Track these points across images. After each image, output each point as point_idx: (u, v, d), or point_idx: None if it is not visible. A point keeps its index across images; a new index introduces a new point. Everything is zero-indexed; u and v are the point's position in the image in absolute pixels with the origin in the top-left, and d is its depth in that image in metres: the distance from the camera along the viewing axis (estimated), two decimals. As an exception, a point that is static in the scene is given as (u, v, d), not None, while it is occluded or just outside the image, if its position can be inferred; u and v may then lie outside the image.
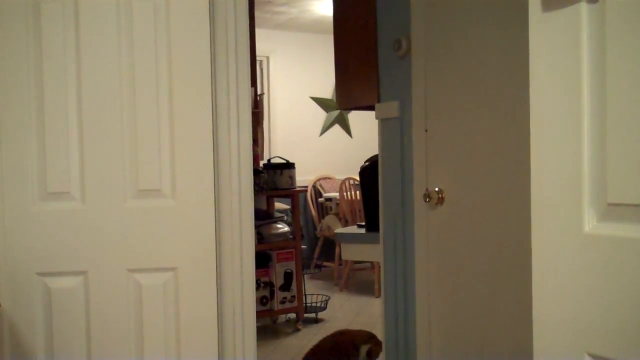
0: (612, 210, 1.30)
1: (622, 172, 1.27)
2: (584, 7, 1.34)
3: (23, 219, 2.29)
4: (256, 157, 5.55)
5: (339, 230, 4.30)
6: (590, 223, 1.34)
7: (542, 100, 1.44)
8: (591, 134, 1.33)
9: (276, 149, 8.30)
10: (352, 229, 4.06)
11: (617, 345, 1.29)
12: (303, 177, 7.79)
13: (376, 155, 3.45)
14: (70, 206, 2.31)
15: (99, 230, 2.33)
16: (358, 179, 4.19)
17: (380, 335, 3.44)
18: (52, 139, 2.29)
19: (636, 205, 1.25)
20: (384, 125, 3.28)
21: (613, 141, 1.28)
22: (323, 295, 6.31)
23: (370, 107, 3.44)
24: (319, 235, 7.96)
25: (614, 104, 1.28)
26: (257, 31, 5.76)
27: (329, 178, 8.69)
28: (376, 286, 6.61)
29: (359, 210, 7.02)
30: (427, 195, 2.87)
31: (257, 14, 6.31)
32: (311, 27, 8.32)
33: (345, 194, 7.28)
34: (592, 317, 1.33)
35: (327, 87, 8.61)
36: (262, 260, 5.38)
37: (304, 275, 5.94)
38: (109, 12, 2.30)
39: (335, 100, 3.82)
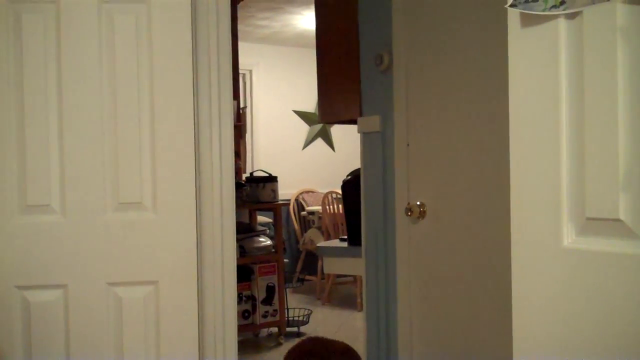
0: (591, 225, 1.31)
1: (600, 186, 1.28)
2: (562, 23, 1.36)
3: (2, 231, 2.27)
4: (238, 170, 5.55)
5: (322, 243, 4.30)
6: (569, 237, 1.35)
7: (522, 114, 1.45)
8: (570, 148, 1.35)
9: (259, 163, 8.28)
10: (335, 243, 4.06)
11: (595, 357, 1.30)
12: (286, 191, 7.79)
13: (358, 169, 3.46)
14: (50, 219, 2.30)
15: (79, 244, 2.31)
16: (340, 192, 4.19)
17: (362, 349, 3.44)
18: (32, 152, 2.27)
19: (614, 220, 1.26)
20: (366, 139, 3.29)
21: (591, 156, 1.30)
22: (305, 309, 6.29)
23: (353, 121, 3.45)
24: (301, 249, 7.94)
25: (592, 119, 1.30)
26: (240, 44, 5.76)
27: (312, 192, 8.68)
28: (358, 300, 6.60)
29: (342, 224, 7.02)
30: (409, 209, 2.88)
31: (239, 27, 6.32)
32: (294, 41, 8.35)
33: (327, 207, 7.28)
34: (571, 329, 1.34)
35: (309, 101, 8.63)
36: (244, 274, 5.36)
37: (286, 289, 5.92)
38: (91, 24, 2.30)
39: (317, 114, 3.83)
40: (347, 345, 3.59)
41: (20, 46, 2.27)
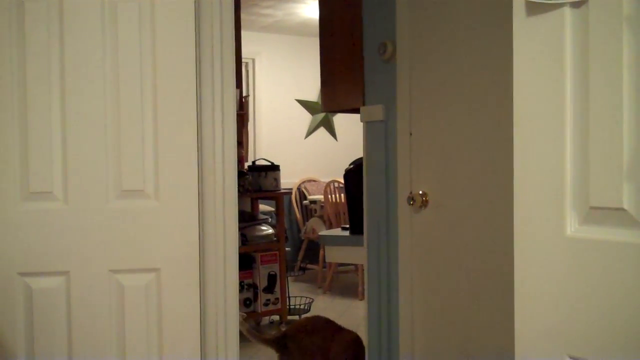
0: (594, 214, 1.31)
1: (603, 176, 1.28)
2: (567, 11, 1.35)
3: (5, 218, 2.27)
4: (241, 158, 5.54)
5: (324, 232, 4.31)
6: (572, 226, 1.35)
7: (526, 103, 1.45)
8: (574, 137, 1.34)
9: (261, 151, 8.28)
10: (337, 232, 4.06)
11: (597, 347, 1.30)
12: (288, 180, 7.78)
13: (361, 158, 3.46)
14: (53, 206, 2.30)
15: (82, 231, 2.31)
16: (343, 181, 4.19)
17: (363, 338, 3.44)
18: (34, 139, 2.27)
19: (617, 209, 1.26)
20: (369, 128, 3.29)
21: (595, 145, 1.29)
22: (307, 297, 6.30)
23: (356, 110, 3.44)
24: (303, 238, 7.95)
25: (596, 109, 1.29)
26: (243, 33, 5.75)
27: (314, 180, 8.69)
28: (360, 289, 6.61)
29: (344, 213, 7.02)
30: (411, 198, 2.88)
31: (242, 16, 6.30)
32: (297, 29, 8.32)
33: (329, 196, 7.28)
34: (573, 319, 1.34)
35: (312, 90, 8.61)
36: (246, 262, 5.37)
37: (287, 277, 5.94)
38: (94, 11, 2.29)
39: (320, 103, 3.83)
40: (357, 337, 3.58)
41: (23, 34, 2.26)
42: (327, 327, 3.56)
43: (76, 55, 2.29)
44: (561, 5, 1.35)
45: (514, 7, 1.47)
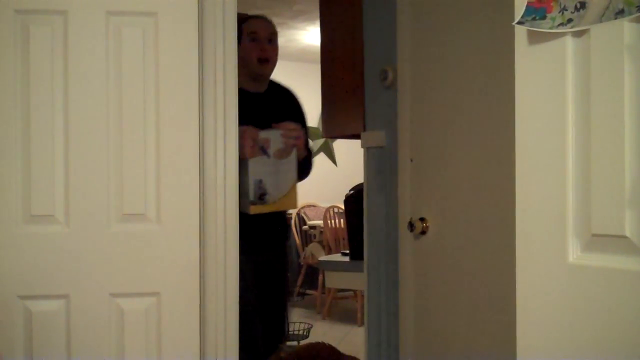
0: (596, 241, 1.31)
1: (606, 203, 1.28)
2: (569, 40, 1.36)
3: (6, 241, 2.27)
4: (241, 183, 5.53)
5: (324, 258, 4.30)
6: (574, 253, 1.35)
7: (528, 131, 1.46)
8: (576, 164, 1.35)
9: (261, 176, 8.27)
10: (336, 257, 4.06)
11: (601, 375, 1.29)
12: (287, 205, 7.76)
13: (361, 184, 3.47)
14: (54, 229, 2.30)
15: (82, 254, 2.31)
16: (342, 207, 4.19)
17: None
18: (37, 162, 2.28)
19: (619, 237, 1.26)
20: (370, 154, 3.30)
21: (597, 172, 1.30)
22: (305, 323, 6.27)
23: (356, 136, 3.46)
24: (302, 263, 7.93)
25: (598, 136, 1.30)
26: (245, 59, 5.77)
27: (314, 206, 8.68)
28: (359, 315, 6.58)
29: (343, 239, 7.01)
30: (411, 225, 2.88)
31: (244, 41, 6.33)
32: (298, 56, 8.37)
33: (329, 222, 7.27)
34: (575, 346, 1.34)
35: (313, 116, 8.61)
36: (245, 287, 5.34)
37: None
38: (98, 36, 2.30)
39: (320, 129, 3.84)
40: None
41: (27, 57, 2.27)
42: (329, 354, 3.54)
43: (80, 80, 2.30)
44: (563, 34, 1.37)
45: (515, 36, 1.48)
